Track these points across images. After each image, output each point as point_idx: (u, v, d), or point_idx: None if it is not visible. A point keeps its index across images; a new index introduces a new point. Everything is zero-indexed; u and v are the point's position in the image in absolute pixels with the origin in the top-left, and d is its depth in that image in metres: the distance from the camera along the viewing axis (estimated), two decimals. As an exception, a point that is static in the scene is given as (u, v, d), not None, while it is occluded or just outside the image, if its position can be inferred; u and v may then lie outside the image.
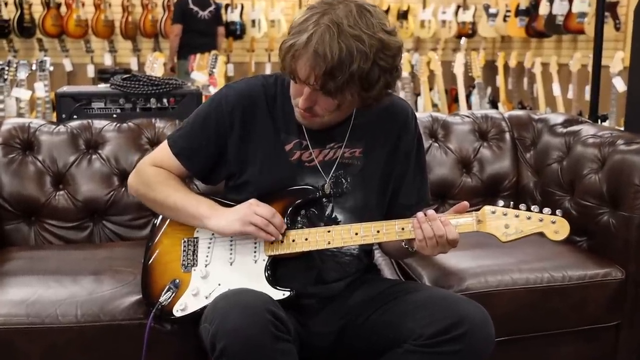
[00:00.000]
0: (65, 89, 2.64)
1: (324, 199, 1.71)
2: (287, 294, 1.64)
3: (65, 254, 2.16)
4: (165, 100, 2.63)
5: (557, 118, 2.61)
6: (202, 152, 1.75)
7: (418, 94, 5.46)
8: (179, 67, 6.15)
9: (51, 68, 5.22)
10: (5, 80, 4.39)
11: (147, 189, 1.77)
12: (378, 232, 1.62)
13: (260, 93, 1.73)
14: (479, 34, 6.78)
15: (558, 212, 1.57)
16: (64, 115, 2.55)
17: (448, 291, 1.83)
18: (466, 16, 6.68)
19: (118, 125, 2.42)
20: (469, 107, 5.21)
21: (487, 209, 1.59)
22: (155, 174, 1.77)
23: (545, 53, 6.88)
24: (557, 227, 1.56)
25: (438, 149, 2.56)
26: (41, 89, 4.78)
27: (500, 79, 6.33)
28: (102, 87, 2.70)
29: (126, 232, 2.33)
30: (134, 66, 6.43)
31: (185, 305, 1.67)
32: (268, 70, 6.58)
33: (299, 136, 1.71)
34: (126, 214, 2.33)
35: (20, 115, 4.41)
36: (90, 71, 6.35)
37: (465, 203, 1.61)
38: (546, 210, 1.57)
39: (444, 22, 6.65)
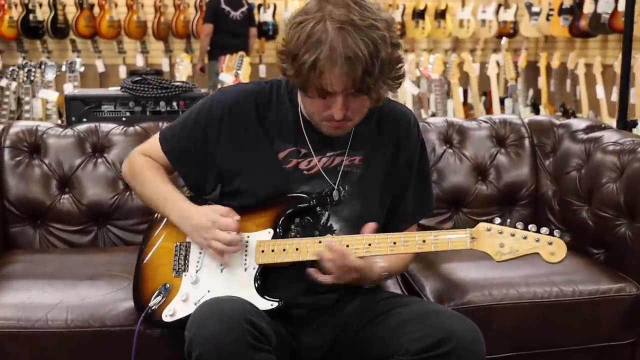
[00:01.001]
0: (76, 91, 2.65)
1: (318, 208, 1.66)
2: (276, 304, 1.60)
3: (66, 258, 2.17)
4: (174, 104, 2.61)
5: (579, 124, 2.50)
6: (190, 155, 1.75)
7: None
8: (209, 67, 6.16)
9: (82, 69, 5.29)
10: (31, 81, 4.45)
11: (133, 177, 1.83)
12: (370, 245, 1.57)
13: (250, 101, 1.70)
14: (521, 34, 6.60)
15: (556, 232, 1.50)
16: (73, 119, 2.55)
17: (440, 306, 1.78)
18: (507, 15, 6.50)
19: (125, 129, 2.41)
20: (503, 110, 5.07)
21: (482, 226, 1.53)
22: (137, 162, 1.81)
23: (590, 54, 6.69)
24: (554, 249, 1.50)
25: (452, 155, 2.48)
26: (70, 91, 4.84)
27: (542, 81, 6.15)
28: (113, 90, 2.70)
29: (130, 236, 2.31)
30: (166, 67, 6.47)
31: (174, 310, 1.65)
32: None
33: (296, 144, 1.68)
34: (130, 219, 2.31)
35: (47, 116, 4.46)
36: (123, 72, 6.41)
37: (373, 224, 1.59)
38: (544, 230, 1.50)
39: (483, 21, 6.48)
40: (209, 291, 1.64)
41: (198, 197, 1.78)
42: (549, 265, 2.05)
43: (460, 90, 4.79)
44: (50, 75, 4.66)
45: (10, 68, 4.90)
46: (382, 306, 1.65)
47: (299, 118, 1.68)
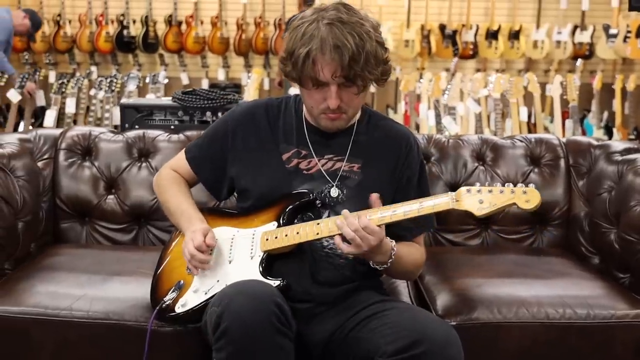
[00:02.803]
0: (130, 100, 2.83)
1: (318, 202, 1.78)
2: (278, 282, 1.68)
3: (103, 254, 2.31)
4: (220, 114, 2.74)
5: (618, 145, 2.45)
6: (208, 161, 1.94)
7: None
8: (285, 82, 6.33)
9: (165, 81, 5.58)
10: (112, 91, 4.75)
11: (157, 189, 2.03)
12: (359, 218, 1.64)
13: (262, 111, 1.90)
14: (597, 56, 6.42)
15: (531, 185, 1.59)
16: (127, 125, 2.74)
17: (424, 310, 1.83)
18: (584, 37, 6.32)
19: (169, 136, 2.56)
20: (564, 132, 4.95)
21: (462, 189, 1.63)
22: (166, 176, 2.00)
23: (668, 77, 6.37)
24: (528, 197, 1.57)
25: (484, 173, 2.48)
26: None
27: (617, 104, 5.94)
28: (165, 100, 2.87)
29: (168, 237, 2.35)
30: (245, 81, 6.69)
31: (186, 301, 1.77)
32: (372, 88, 6.57)
33: (298, 146, 1.83)
34: (168, 220, 2.41)
35: (125, 124, 4.74)
36: (205, 85, 6.65)
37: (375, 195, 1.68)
38: (520, 184, 1.60)
39: (558, 42, 6.35)
40: (218, 281, 1.75)
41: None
42: (568, 286, 2.05)
43: (524, 110, 4.71)
44: (132, 86, 4.95)
45: (99, 79, 5.25)
46: (373, 308, 1.72)
47: (302, 124, 1.86)
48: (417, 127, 4.99)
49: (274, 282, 1.68)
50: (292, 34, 1.70)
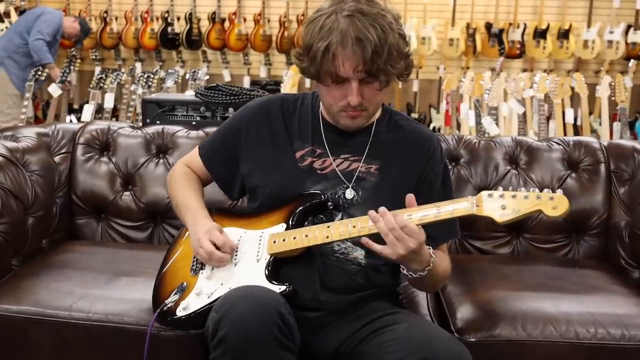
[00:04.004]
0: (152, 95, 2.77)
1: (330, 204, 1.69)
2: (284, 287, 1.59)
3: (114, 252, 2.25)
4: (242, 110, 2.65)
5: (666, 150, 2.26)
6: (221, 157, 1.85)
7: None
8: (327, 81, 6.23)
9: (206, 77, 5.55)
10: (149, 86, 4.73)
11: (169, 183, 1.96)
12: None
13: (276, 106, 1.82)
14: (651, 56, 6.13)
15: (558, 191, 1.47)
16: (148, 120, 2.67)
17: (434, 325, 1.71)
18: (637, 36, 6.03)
19: (188, 132, 2.49)
20: (612, 135, 4.70)
21: (484, 193, 1.51)
22: (178, 172, 1.93)
23: None
24: (556, 203, 1.45)
25: (516, 177, 2.33)
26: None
27: (670, 106, 5.67)
28: (188, 95, 2.80)
29: None
30: (286, 79, 6.63)
31: (188, 304, 1.69)
32: (416, 87, 6.44)
33: (313, 144, 1.75)
34: (184, 219, 2.37)
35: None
36: (246, 82, 6.63)
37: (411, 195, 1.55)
38: (546, 190, 1.47)
39: (610, 42, 6.08)
40: (222, 284, 1.66)
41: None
42: (603, 303, 1.88)
43: (570, 111, 4.49)
44: (170, 82, 4.94)
45: (138, 74, 5.26)
46: (382, 321, 1.63)
47: (318, 121, 1.76)
48: (458, 127, 4.82)
49: (280, 288, 1.59)
50: (308, 27, 1.60)
